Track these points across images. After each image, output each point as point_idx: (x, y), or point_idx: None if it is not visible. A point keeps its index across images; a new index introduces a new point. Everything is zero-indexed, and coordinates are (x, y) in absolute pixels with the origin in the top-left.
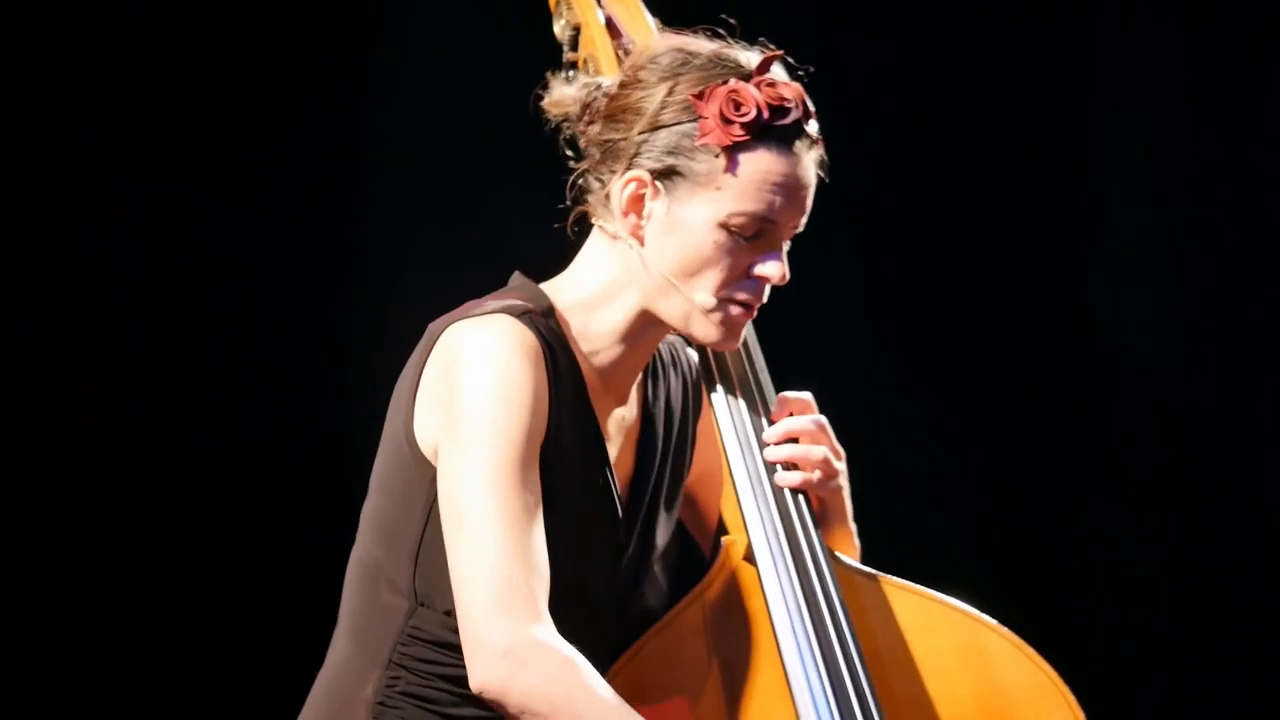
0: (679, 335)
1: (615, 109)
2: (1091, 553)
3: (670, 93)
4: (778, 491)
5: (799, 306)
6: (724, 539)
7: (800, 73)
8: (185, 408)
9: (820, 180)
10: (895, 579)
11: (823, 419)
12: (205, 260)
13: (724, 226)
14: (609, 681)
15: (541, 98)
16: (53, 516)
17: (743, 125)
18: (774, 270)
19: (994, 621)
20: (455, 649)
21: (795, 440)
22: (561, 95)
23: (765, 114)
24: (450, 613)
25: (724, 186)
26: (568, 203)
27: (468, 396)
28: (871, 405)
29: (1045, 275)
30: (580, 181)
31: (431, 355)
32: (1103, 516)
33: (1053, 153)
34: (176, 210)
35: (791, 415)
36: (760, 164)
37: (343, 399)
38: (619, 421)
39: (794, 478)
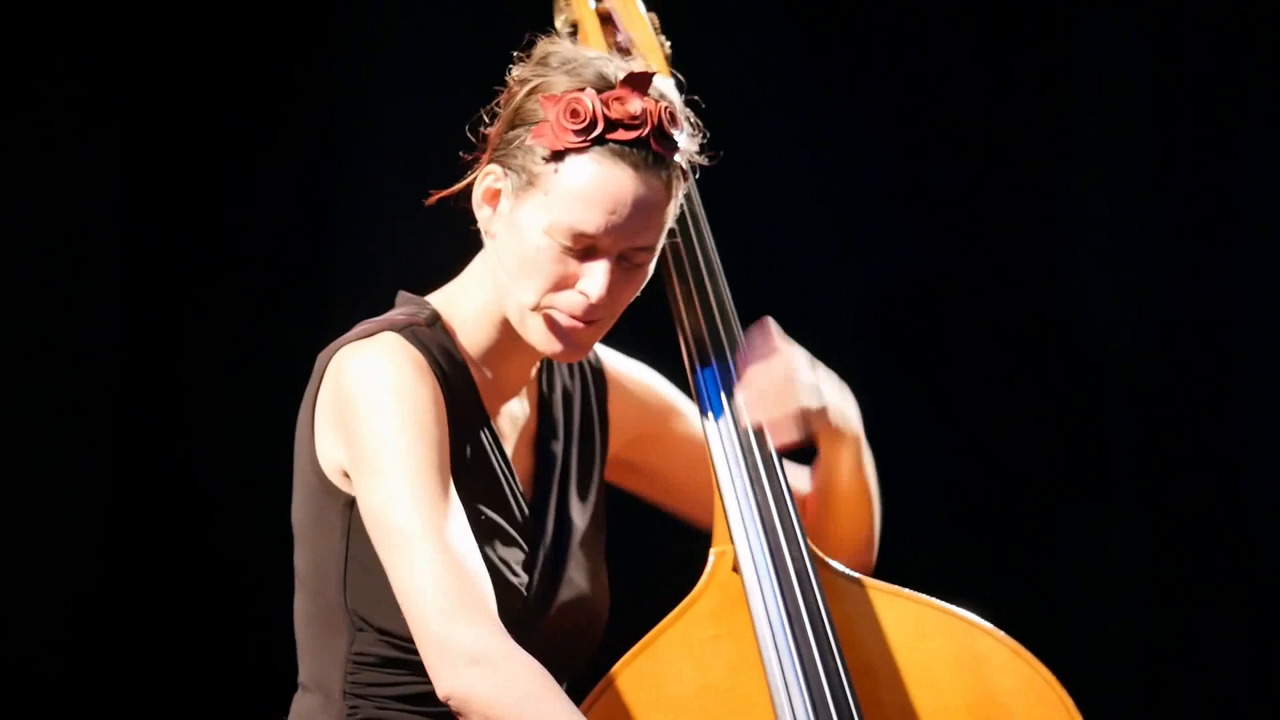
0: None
1: (498, 104)
2: (1074, 547)
3: (532, 92)
4: (763, 500)
5: (786, 304)
6: (713, 550)
7: (694, 98)
8: (164, 408)
9: (678, 203)
10: (885, 584)
11: (778, 346)
12: (181, 260)
13: (547, 234)
14: (591, 699)
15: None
16: (29, 521)
17: (574, 132)
18: (590, 288)
19: (988, 625)
20: (400, 666)
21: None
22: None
23: (599, 126)
24: (385, 631)
25: (549, 192)
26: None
27: (368, 421)
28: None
29: (1025, 272)
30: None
31: (323, 384)
32: (1085, 511)
33: (1031, 150)
34: (153, 210)
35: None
36: (584, 176)
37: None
38: (512, 418)
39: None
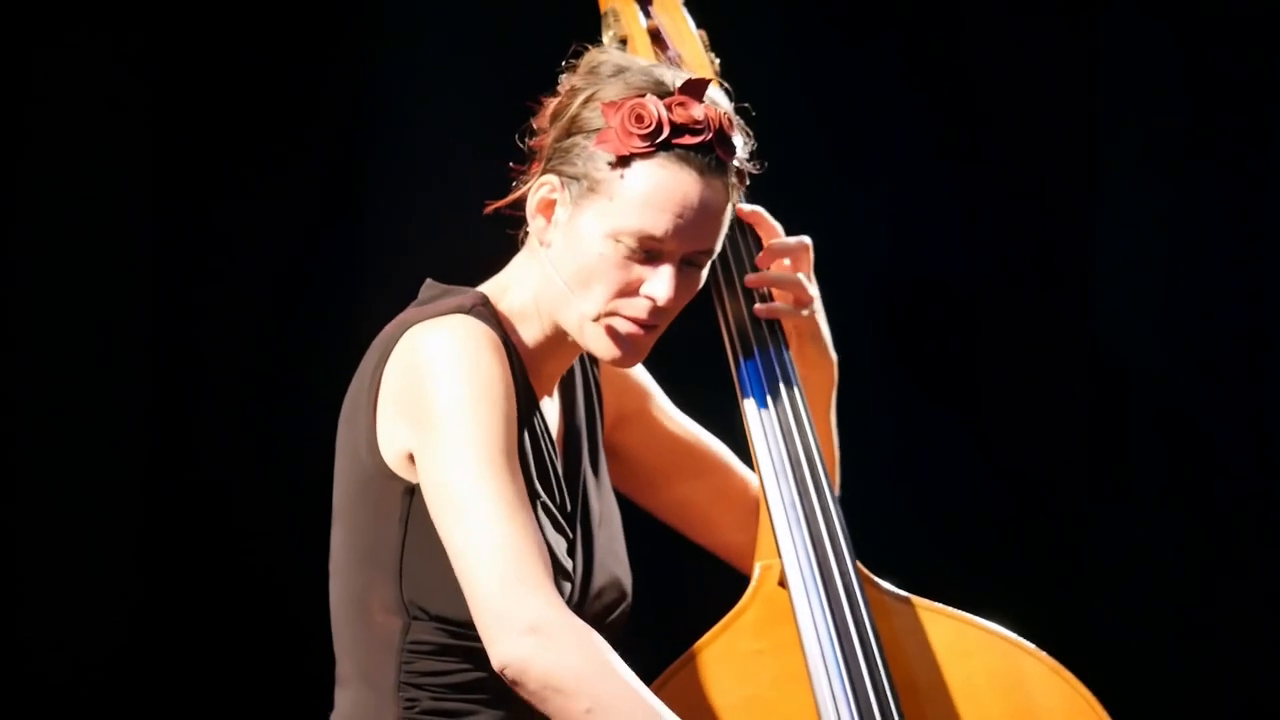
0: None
1: (551, 114)
2: (1098, 557)
3: (589, 99)
4: (811, 516)
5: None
6: (759, 563)
7: (744, 105)
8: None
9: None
10: (930, 602)
11: (807, 240)
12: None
13: (613, 239)
14: None
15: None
16: (58, 536)
17: (640, 137)
18: (658, 290)
19: (1030, 645)
20: (455, 653)
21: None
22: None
23: (665, 130)
24: (442, 618)
25: (615, 198)
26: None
27: (444, 395)
28: (875, 410)
29: (1050, 276)
30: (515, 184)
31: (389, 363)
32: (1110, 521)
33: (1059, 150)
34: (181, 206)
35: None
36: (651, 179)
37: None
38: (551, 412)
39: (767, 305)
